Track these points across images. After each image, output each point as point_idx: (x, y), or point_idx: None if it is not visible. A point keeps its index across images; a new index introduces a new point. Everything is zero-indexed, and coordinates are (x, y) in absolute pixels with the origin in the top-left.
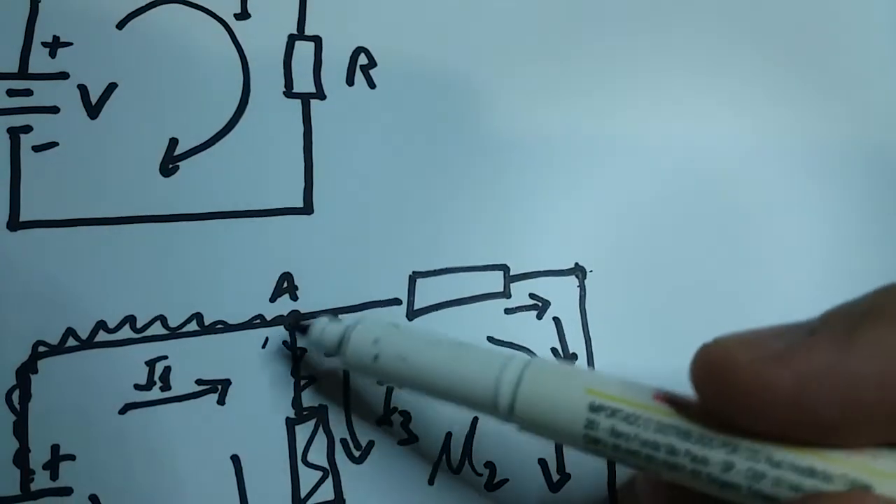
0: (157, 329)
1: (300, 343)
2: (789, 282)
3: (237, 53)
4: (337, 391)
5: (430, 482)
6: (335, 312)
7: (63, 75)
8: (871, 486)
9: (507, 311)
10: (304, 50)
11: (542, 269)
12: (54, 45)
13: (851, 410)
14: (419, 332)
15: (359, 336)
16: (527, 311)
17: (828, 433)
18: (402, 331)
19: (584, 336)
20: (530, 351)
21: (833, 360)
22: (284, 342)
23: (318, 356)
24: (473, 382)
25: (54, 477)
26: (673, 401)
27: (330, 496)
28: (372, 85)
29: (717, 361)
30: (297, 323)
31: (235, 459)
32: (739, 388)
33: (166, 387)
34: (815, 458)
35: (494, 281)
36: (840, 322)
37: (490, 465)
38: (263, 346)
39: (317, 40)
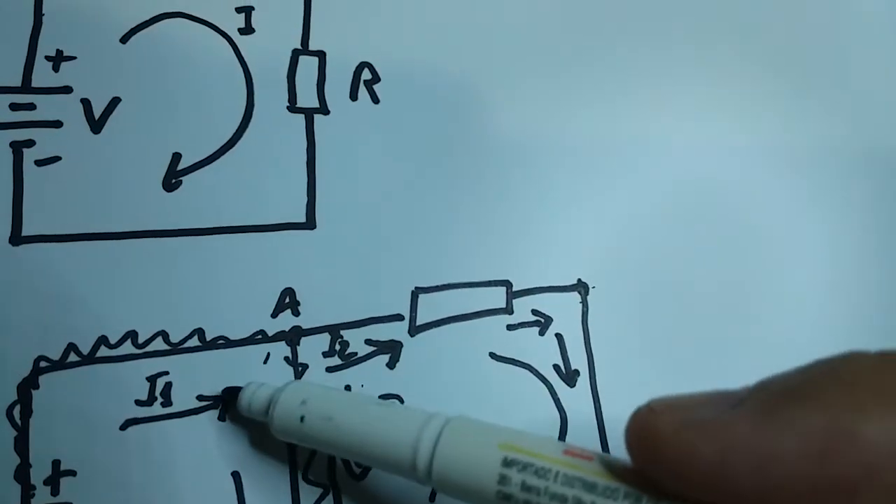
0: (158, 344)
1: (231, 412)
2: (792, 296)
3: (241, 68)
4: None
5: (431, 499)
6: (337, 328)
7: (66, 89)
8: None
9: (510, 327)
10: (307, 65)
11: (544, 285)
12: (58, 59)
13: (767, 487)
14: (351, 394)
15: (287, 397)
16: (529, 327)
17: None
18: (333, 393)
19: (587, 352)
20: (532, 368)
21: (751, 436)
22: (286, 358)
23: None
24: (393, 444)
25: (55, 492)
26: (582, 456)
27: None
28: (375, 100)
29: (644, 427)
30: (227, 391)
31: (236, 476)
32: (663, 455)
33: (167, 402)
34: None
35: (497, 297)
36: (766, 397)
37: None
38: (265, 362)
39: (321, 55)
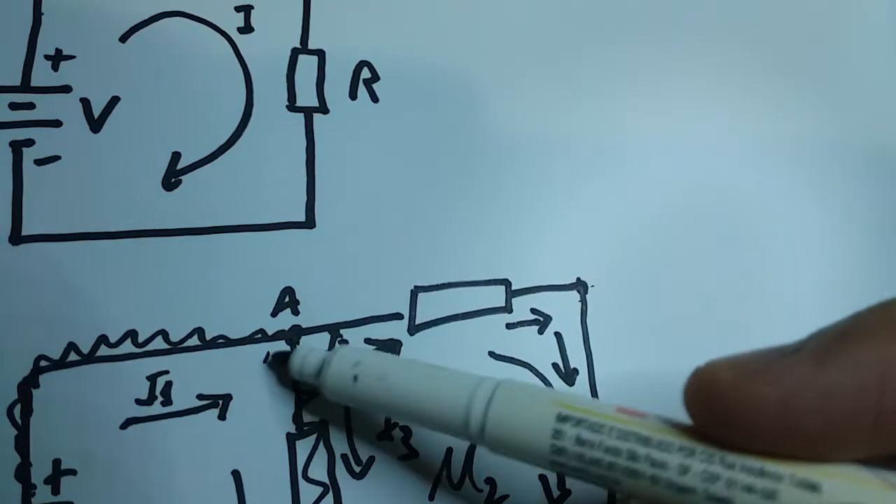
0: (158, 344)
1: (282, 374)
2: (792, 295)
3: (240, 67)
4: (338, 406)
5: (431, 498)
6: (336, 327)
7: (66, 89)
8: (819, 486)
9: (509, 325)
10: (307, 64)
11: (543, 283)
12: (57, 59)
13: (832, 424)
14: (404, 358)
15: (341, 358)
16: (528, 325)
17: (814, 447)
18: (385, 355)
19: (586, 351)
20: (531, 366)
21: (812, 376)
22: (287, 341)
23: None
24: (447, 401)
25: (55, 491)
26: (635, 413)
27: None
28: (375, 99)
29: (703, 382)
30: (277, 354)
31: (236, 474)
32: (724, 406)
33: (167, 401)
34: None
35: (496, 296)
36: (821, 340)
37: (490, 481)
38: (265, 361)
39: (320, 54)
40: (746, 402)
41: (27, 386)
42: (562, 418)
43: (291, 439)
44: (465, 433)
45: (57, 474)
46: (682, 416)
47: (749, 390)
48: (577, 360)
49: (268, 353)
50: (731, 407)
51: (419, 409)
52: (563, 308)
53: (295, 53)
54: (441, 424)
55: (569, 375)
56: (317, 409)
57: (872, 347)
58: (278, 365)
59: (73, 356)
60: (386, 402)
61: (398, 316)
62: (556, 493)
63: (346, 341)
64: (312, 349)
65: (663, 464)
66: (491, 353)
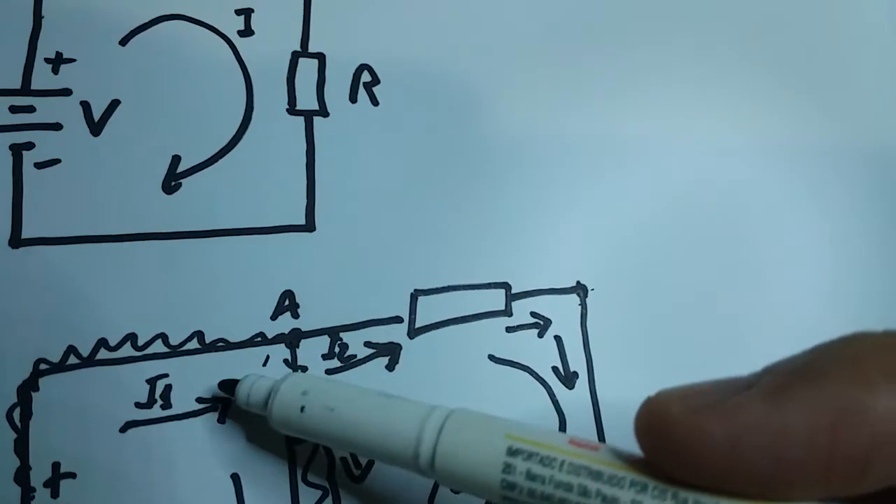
0: (158, 347)
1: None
2: (792, 298)
3: (240, 70)
4: None
5: (430, 501)
6: (336, 330)
7: (66, 92)
8: None
9: (509, 329)
10: (307, 67)
11: (543, 287)
12: (57, 62)
13: (783, 466)
14: (353, 386)
15: (288, 387)
16: (528, 329)
17: (765, 487)
18: (334, 384)
19: (586, 354)
20: (531, 370)
21: (763, 415)
22: (285, 360)
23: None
24: (396, 433)
25: (55, 495)
26: (587, 446)
27: None
28: (375, 102)
29: (653, 413)
30: (224, 384)
31: (235, 478)
32: (674, 440)
33: (167, 405)
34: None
35: (496, 299)
36: (776, 377)
37: None
38: (264, 364)
39: (320, 57)
40: (695, 438)
41: (27, 389)
42: (512, 451)
43: (291, 442)
44: (414, 466)
45: (56, 477)
46: None
47: (698, 426)
48: (577, 363)
49: (267, 356)
50: (680, 442)
51: (368, 441)
52: (562, 311)
53: (295, 57)
54: (390, 457)
55: (569, 379)
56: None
57: (827, 388)
58: (225, 392)
59: (72, 359)
60: (334, 434)
61: (398, 319)
62: None
63: (346, 345)
64: (262, 377)
65: (615, 500)
66: (491, 357)
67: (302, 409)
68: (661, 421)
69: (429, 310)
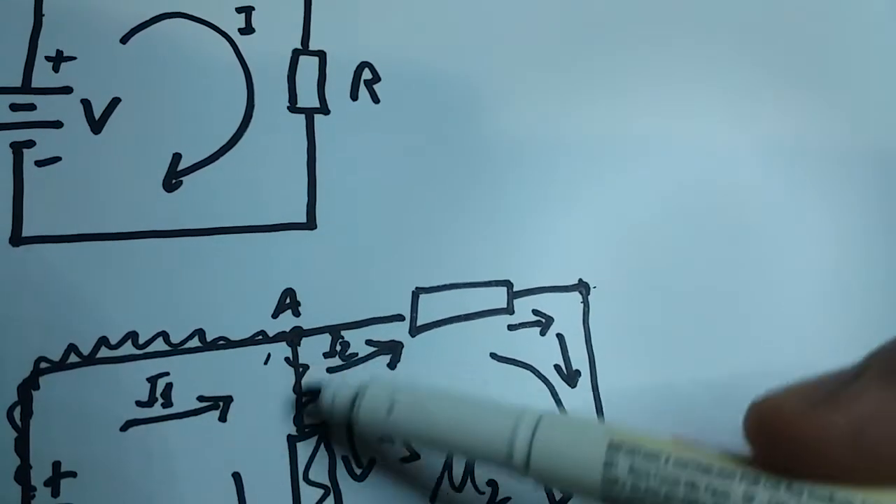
0: (159, 345)
1: (311, 410)
2: (796, 297)
3: (241, 68)
4: None
5: (432, 500)
6: (338, 329)
7: (66, 90)
8: None
9: (511, 327)
10: (308, 65)
11: (545, 285)
12: (58, 60)
13: None
14: (438, 387)
15: (375, 390)
16: (530, 327)
17: (889, 473)
18: (416, 386)
19: (588, 352)
20: (533, 368)
21: (883, 402)
22: (286, 358)
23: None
24: (490, 431)
25: (55, 494)
26: (690, 442)
27: None
28: (376, 100)
29: (768, 414)
30: (306, 391)
31: (237, 476)
32: (794, 438)
33: (168, 403)
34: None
35: (498, 297)
36: (885, 363)
37: (492, 484)
38: (265, 363)
39: (321, 55)
40: (816, 433)
41: (27, 388)
42: (614, 447)
43: (292, 441)
44: (508, 464)
45: (57, 476)
46: (687, 417)
47: (818, 420)
48: (580, 361)
49: (268, 354)
50: (800, 438)
51: (459, 439)
52: (565, 309)
53: (296, 54)
54: (482, 455)
55: (571, 377)
56: (317, 411)
57: None
58: (308, 401)
59: (73, 358)
60: (424, 434)
61: (399, 317)
62: (557, 495)
63: (347, 343)
64: (342, 383)
65: (726, 493)
66: (493, 355)
67: (390, 409)
68: (776, 420)
69: (430, 308)
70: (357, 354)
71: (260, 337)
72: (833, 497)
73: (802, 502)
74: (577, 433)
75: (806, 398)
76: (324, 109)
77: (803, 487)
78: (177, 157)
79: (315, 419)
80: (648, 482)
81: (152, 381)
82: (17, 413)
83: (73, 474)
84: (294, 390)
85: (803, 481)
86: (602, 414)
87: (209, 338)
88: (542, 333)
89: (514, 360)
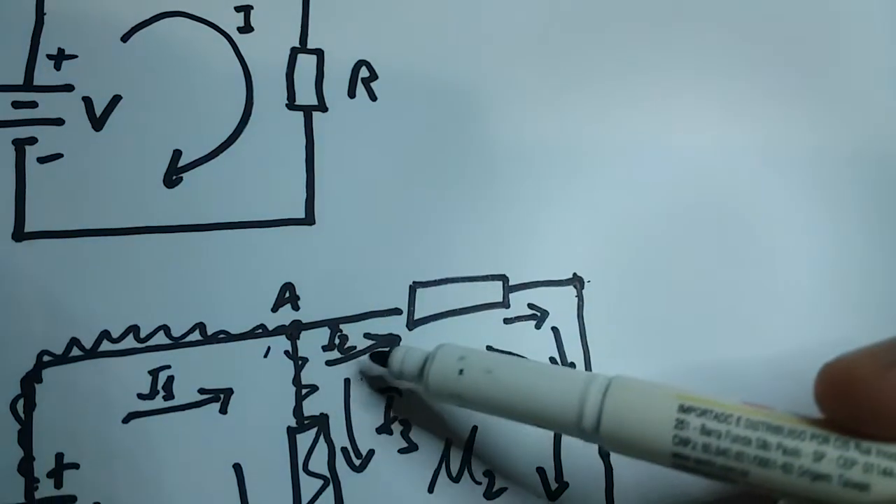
0: (160, 339)
1: (379, 373)
2: (790, 292)
3: (240, 66)
4: (338, 400)
5: (430, 490)
6: (336, 322)
7: (68, 87)
8: None
9: (506, 320)
10: (306, 63)
11: (540, 279)
12: (59, 58)
13: None
14: (503, 353)
15: (445, 353)
16: (525, 320)
17: None
18: (485, 351)
19: (583, 346)
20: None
21: None
22: (286, 351)
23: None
24: (559, 395)
25: (58, 485)
26: (760, 406)
27: None
28: (373, 97)
29: (839, 376)
30: (375, 354)
31: (237, 468)
32: (865, 398)
33: (169, 396)
34: None
35: (493, 291)
36: None
37: (489, 474)
38: (265, 356)
39: (319, 53)
40: (887, 394)
41: (30, 380)
42: (685, 409)
43: (292, 433)
44: (577, 429)
45: (59, 468)
46: None
47: (890, 382)
48: (574, 354)
49: (268, 347)
50: (871, 399)
51: (529, 404)
52: (559, 303)
53: (294, 53)
54: (551, 420)
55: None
56: (317, 402)
57: None
58: (377, 364)
59: (75, 351)
60: (494, 398)
61: (397, 311)
62: (553, 485)
63: (346, 336)
64: (411, 347)
65: (796, 451)
66: (489, 348)
67: (460, 372)
68: (848, 381)
69: (427, 302)
70: (356, 347)
71: (260, 330)
72: None
73: (871, 460)
74: (648, 396)
75: (877, 360)
76: (322, 107)
77: (871, 446)
78: (177, 154)
79: (379, 384)
80: (720, 441)
81: (154, 373)
82: (20, 405)
83: (75, 466)
84: (293, 383)
85: (872, 441)
86: None
87: (210, 331)
88: (538, 327)
89: (509, 353)
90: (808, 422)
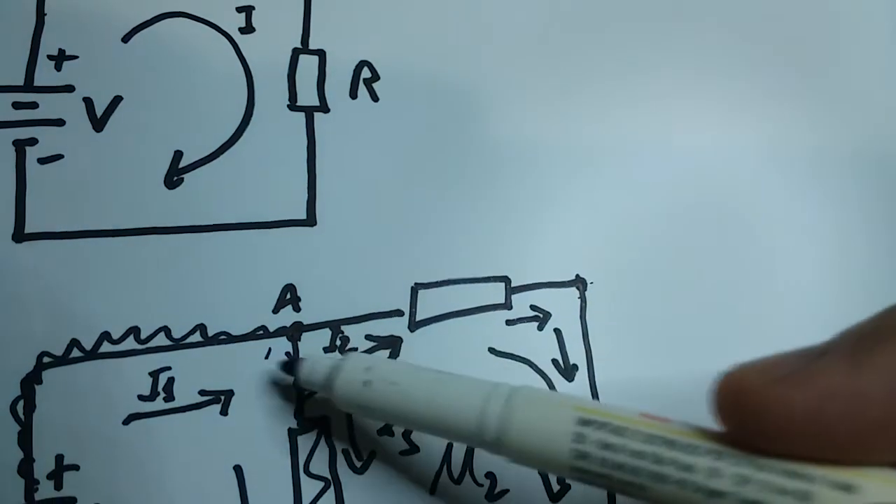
0: (160, 340)
1: (290, 383)
2: (792, 293)
3: (242, 67)
4: None
5: (432, 492)
6: (338, 324)
7: (68, 88)
8: (854, 486)
9: (509, 322)
10: (308, 63)
11: (543, 280)
12: (60, 59)
13: (864, 429)
14: (411, 364)
15: (352, 364)
16: (528, 322)
17: (846, 451)
18: (394, 361)
19: (585, 347)
20: (531, 363)
21: (842, 380)
22: (287, 353)
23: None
24: (462, 406)
25: (58, 487)
26: (658, 418)
27: None
28: (375, 98)
29: (731, 387)
30: (286, 362)
31: (238, 470)
32: (753, 411)
33: (170, 397)
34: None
35: (496, 292)
36: (850, 343)
37: (491, 476)
38: (266, 357)
39: (321, 54)
40: (776, 408)
41: (30, 382)
42: (583, 422)
43: (293, 434)
44: (479, 440)
45: (59, 470)
46: (682, 413)
47: (778, 395)
48: (577, 356)
49: (269, 348)
50: (761, 412)
51: (433, 416)
52: (562, 305)
53: (296, 53)
54: (454, 431)
55: (568, 371)
56: (318, 404)
57: None
58: (285, 374)
59: (75, 352)
60: (399, 410)
61: (399, 312)
62: (556, 487)
63: (347, 338)
64: (321, 356)
65: (691, 467)
66: (491, 350)
67: (366, 384)
68: (741, 393)
69: (429, 303)
70: (357, 349)
71: (261, 332)
72: (795, 473)
73: (766, 477)
74: (547, 409)
75: (769, 373)
76: (323, 108)
77: (766, 463)
78: (178, 155)
79: (290, 392)
80: (616, 455)
81: (154, 375)
82: (20, 407)
83: (75, 467)
84: (294, 385)
85: (768, 457)
86: None
87: (210, 333)
88: (540, 328)
89: (512, 354)
90: (706, 436)
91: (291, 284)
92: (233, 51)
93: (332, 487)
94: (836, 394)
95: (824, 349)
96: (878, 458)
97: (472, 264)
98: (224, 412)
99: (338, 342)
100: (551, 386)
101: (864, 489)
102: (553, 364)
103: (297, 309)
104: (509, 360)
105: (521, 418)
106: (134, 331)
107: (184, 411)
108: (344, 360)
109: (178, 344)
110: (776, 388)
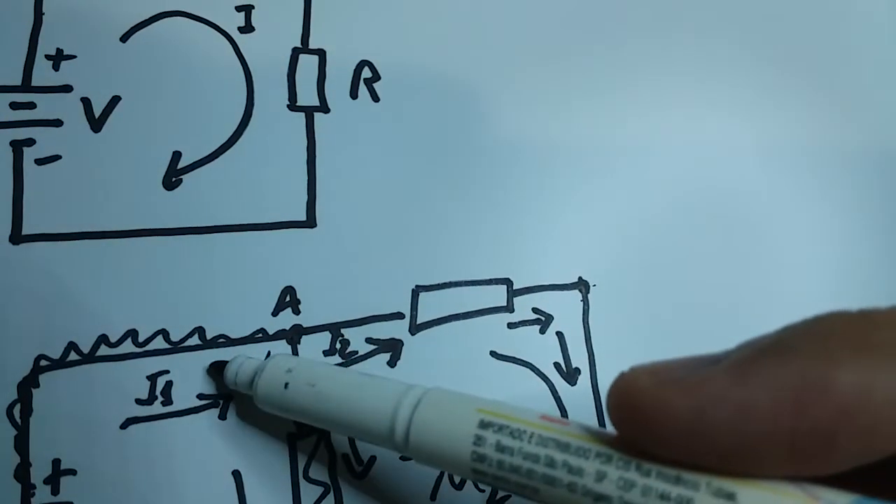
0: (158, 343)
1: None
2: (796, 295)
3: (241, 67)
4: None
5: (432, 498)
6: (338, 326)
7: (66, 88)
8: (736, 495)
9: (511, 325)
10: (308, 63)
11: (545, 283)
12: (58, 58)
13: (746, 441)
14: (337, 366)
15: (274, 365)
16: (530, 325)
17: (730, 462)
18: (319, 363)
19: (588, 350)
20: (533, 366)
21: (726, 390)
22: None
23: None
24: (374, 408)
25: (55, 491)
26: (558, 421)
27: None
28: (375, 98)
29: (622, 388)
30: (213, 365)
31: (236, 475)
32: (640, 413)
33: (168, 401)
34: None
35: (497, 295)
36: (742, 354)
37: None
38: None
39: (321, 54)
40: (659, 411)
41: (27, 386)
42: (483, 424)
43: (292, 439)
44: (390, 442)
45: (57, 474)
46: None
47: (662, 399)
48: (579, 359)
49: (268, 352)
50: (646, 415)
51: (348, 418)
52: (564, 307)
53: (296, 53)
54: (367, 433)
55: (570, 375)
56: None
57: (792, 363)
58: (215, 374)
59: (73, 356)
60: (315, 411)
61: (399, 315)
62: None
63: (347, 341)
64: (249, 358)
65: (580, 470)
66: (492, 353)
67: (286, 386)
68: (629, 394)
69: (430, 306)
70: (357, 352)
71: (260, 335)
72: (680, 478)
73: (650, 483)
74: (452, 411)
75: (660, 376)
76: (324, 108)
77: (652, 468)
78: (177, 156)
79: (219, 392)
80: (512, 458)
81: (152, 379)
82: (16, 411)
83: (72, 472)
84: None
85: (655, 463)
86: (601, 411)
87: (209, 336)
88: (542, 331)
89: (513, 358)
90: (601, 440)
91: (291, 287)
92: (232, 50)
93: (331, 493)
94: (719, 401)
95: (720, 357)
96: (769, 471)
97: (474, 266)
98: (223, 416)
99: (338, 345)
100: (553, 390)
101: (745, 498)
102: (555, 368)
103: (296, 311)
104: (511, 364)
105: (424, 420)
106: (132, 334)
107: (182, 415)
108: (267, 361)
109: (176, 347)
110: (662, 391)
